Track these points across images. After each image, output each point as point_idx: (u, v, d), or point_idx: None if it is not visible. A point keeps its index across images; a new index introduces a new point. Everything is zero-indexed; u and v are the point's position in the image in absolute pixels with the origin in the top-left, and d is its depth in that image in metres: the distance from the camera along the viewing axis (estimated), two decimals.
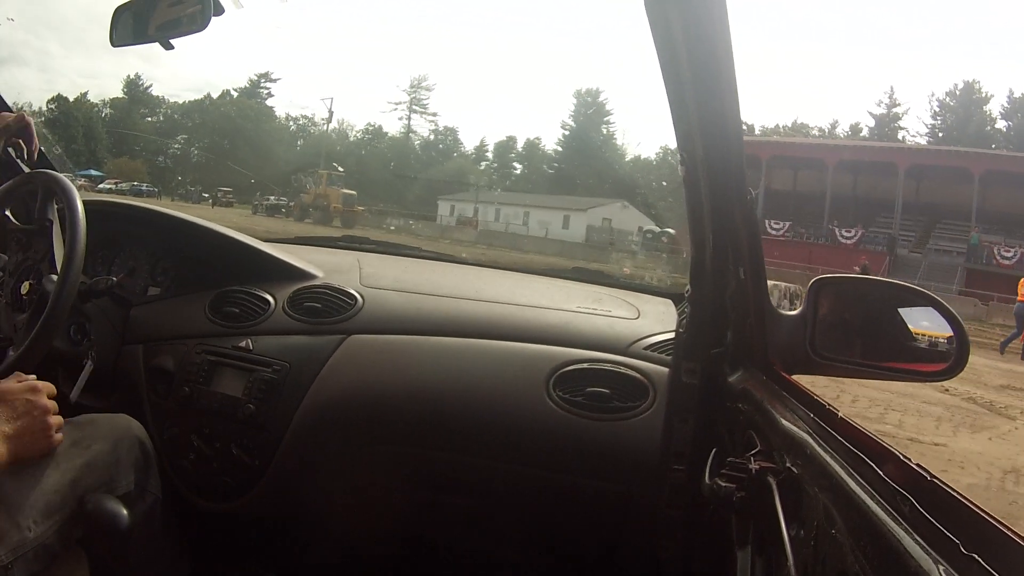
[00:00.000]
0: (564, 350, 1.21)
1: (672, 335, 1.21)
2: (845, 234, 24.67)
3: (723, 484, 0.78)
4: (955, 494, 0.46)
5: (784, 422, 0.76)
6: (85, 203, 1.12)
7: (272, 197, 26.87)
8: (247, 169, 33.10)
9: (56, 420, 0.92)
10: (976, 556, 0.40)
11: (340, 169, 27.81)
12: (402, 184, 37.90)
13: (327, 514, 1.24)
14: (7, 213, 1.20)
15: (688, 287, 1.15)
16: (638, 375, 1.18)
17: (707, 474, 0.86)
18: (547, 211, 30.51)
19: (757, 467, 0.75)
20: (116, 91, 43.67)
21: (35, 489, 0.89)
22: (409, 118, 45.22)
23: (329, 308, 1.30)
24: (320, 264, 1.44)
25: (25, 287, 1.11)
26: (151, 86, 43.98)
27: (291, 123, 45.32)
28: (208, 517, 1.25)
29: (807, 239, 25.01)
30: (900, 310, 0.97)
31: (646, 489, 1.12)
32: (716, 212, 0.96)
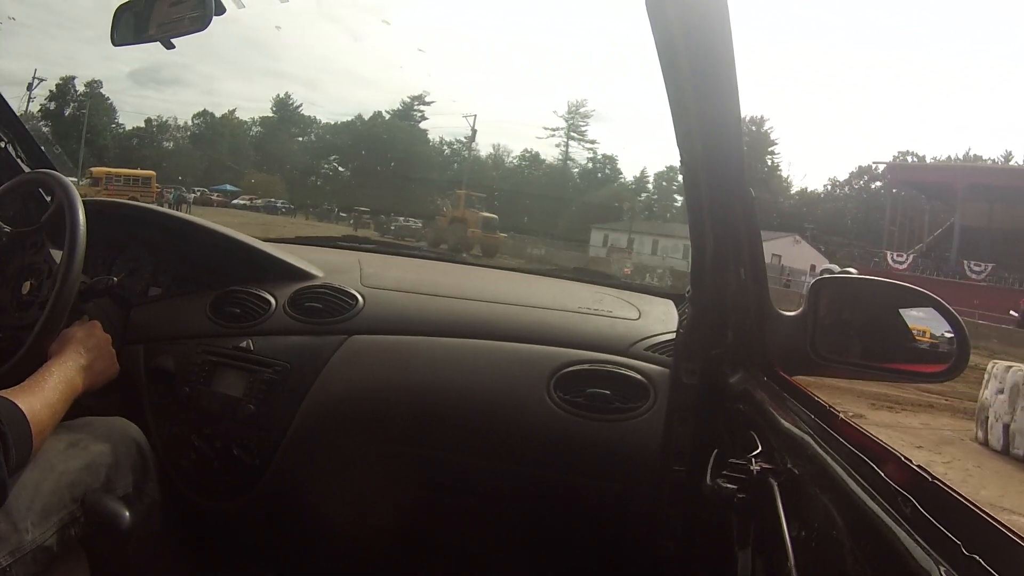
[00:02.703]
0: (565, 351, 1.21)
1: (673, 336, 1.21)
2: None
3: (724, 485, 0.78)
4: (957, 495, 0.46)
5: (785, 423, 0.76)
6: (85, 203, 1.13)
7: (401, 218, 25.17)
8: (395, 191, 32.70)
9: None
10: (977, 557, 0.40)
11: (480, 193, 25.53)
12: (555, 211, 36.86)
13: (327, 514, 1.24)
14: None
15: (689, 288, 1.15)
16: (639, 376, 1.17)
17: (708, 475, 0.86)
18: None
19: (758, 468, 0.75)
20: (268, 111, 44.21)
21: (33, 491, 0.89)
22: (567, 145, 43.96)
23: (330, 308, 1.30)
24: (321, 264, 1.44)
25: (26, 287, 1.11)
26: (300, 105, 44.47)
27: (444, 147, 44.55)
28: (208, 517, 1.25)
29: (1013, 285, 21.28)
30: (901, 311, 0.97)
31: (647, 490, 1.12)
32: (716, 212, 0.96)
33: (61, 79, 37.13)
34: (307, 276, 1.39)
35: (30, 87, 30.74)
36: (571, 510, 1.17)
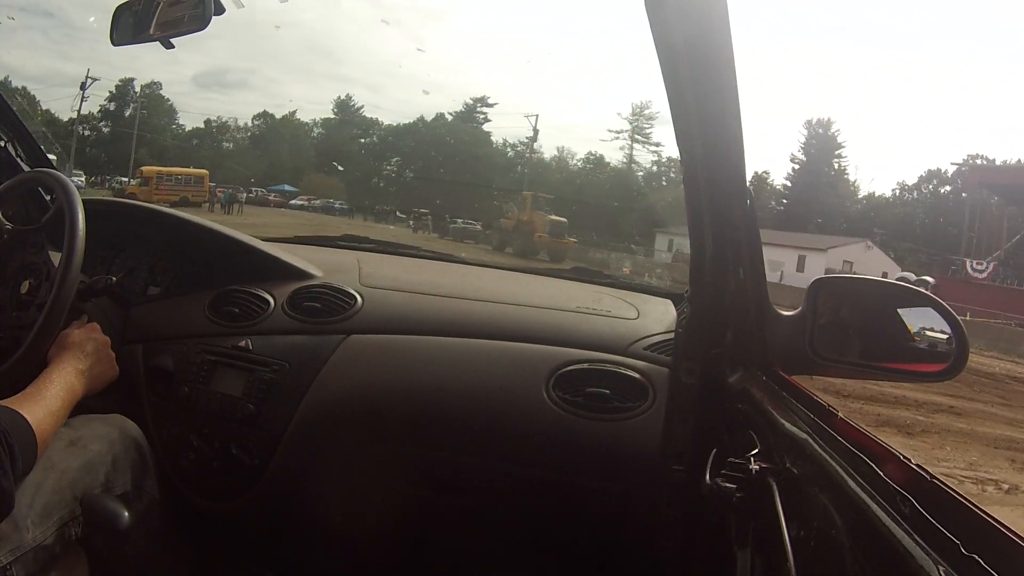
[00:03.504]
0: (564, 350, 1.21)
1: (672, 335, 1.21)
2: None
3: (723, 484, 0.78)
4: (956, 495, 0.46)
5: (784, 422, 0.76)
6: (85, 202, 1.12)
7: (460, 220, 24.00)
8: (456, 193, 32.47)
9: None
10: (976, 557, 0.40)
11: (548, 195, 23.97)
12: (619, 214, 35.75)
13: (327, 514, 1.24)
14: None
15: (688, 287, 1.15)
16: (638, 375, 1.17)
17: (707, 474, 0.86)
18: (778, 249, 24.91)
19: (757, 467, 0.75)
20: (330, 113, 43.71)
21: (34, 491, 0.89)
22: (631, 148, 42.48)
23: (328, 308, 1.30)
24: (319, 263, 1.44)
25: (25, 286, 1.11)
26: (362, 107, 43.97)
27: (508, 149, 43.41)
28: (208, 517, 1.24)
29: None
30: (900, 310, 0.97)
31: (646, 489, 1.12)
32: (716, 212, 0.96)
33: (120, 80, 37.27)
34: (306, 276, 1.39)
35: (83, 87, 30.80)
36: (570, 509, 1.17)
